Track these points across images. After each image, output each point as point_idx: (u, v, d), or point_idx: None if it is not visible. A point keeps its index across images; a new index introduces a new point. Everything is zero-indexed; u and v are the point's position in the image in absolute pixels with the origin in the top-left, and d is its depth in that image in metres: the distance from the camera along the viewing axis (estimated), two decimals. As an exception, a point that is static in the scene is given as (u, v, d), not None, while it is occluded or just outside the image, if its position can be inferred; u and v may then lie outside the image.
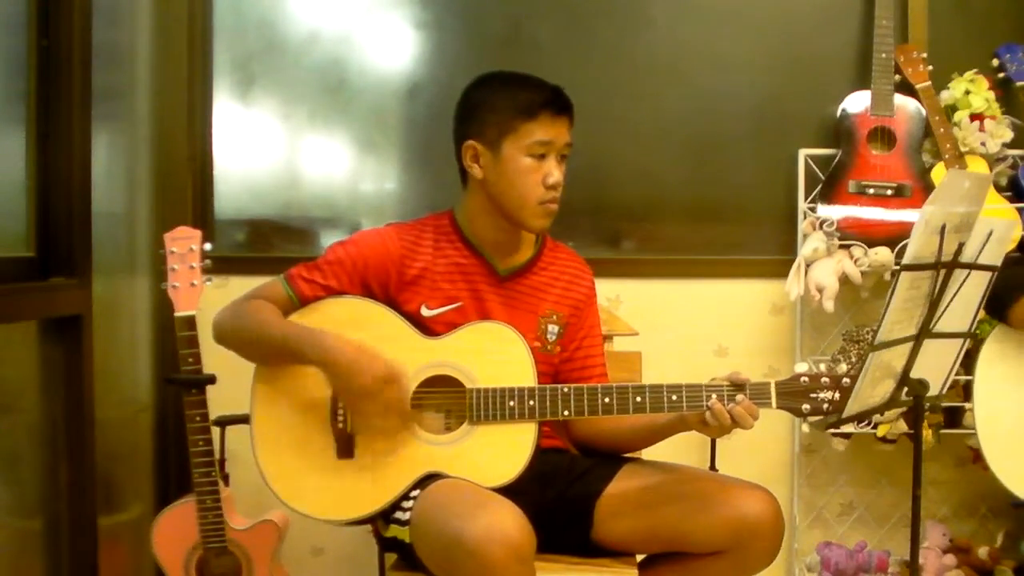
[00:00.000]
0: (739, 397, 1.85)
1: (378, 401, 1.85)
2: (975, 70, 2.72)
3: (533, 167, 1.97)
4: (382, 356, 1.86)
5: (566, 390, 1.93)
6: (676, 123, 2.89)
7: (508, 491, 1.83)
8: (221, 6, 2.86)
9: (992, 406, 2.34)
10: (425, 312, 2.01)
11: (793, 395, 1.88)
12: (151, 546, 2.34)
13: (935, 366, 1.83)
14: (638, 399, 1.91)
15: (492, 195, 2.01)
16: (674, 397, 1.89)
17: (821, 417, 1.90)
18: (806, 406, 1.88)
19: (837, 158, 2.73)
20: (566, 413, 1.93)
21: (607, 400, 1.92)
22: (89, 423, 2.24)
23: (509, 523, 1.67)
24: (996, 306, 2.34)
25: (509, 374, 1.94)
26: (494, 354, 1.95)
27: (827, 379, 1.88)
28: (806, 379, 1.89)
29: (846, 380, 1.87)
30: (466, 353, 1.95)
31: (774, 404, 1.87)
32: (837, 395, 1.87)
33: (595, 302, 2.18)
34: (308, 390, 1.95)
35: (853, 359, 1.89)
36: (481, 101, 2.01)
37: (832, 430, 2.71)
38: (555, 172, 1.98)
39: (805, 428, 2.72)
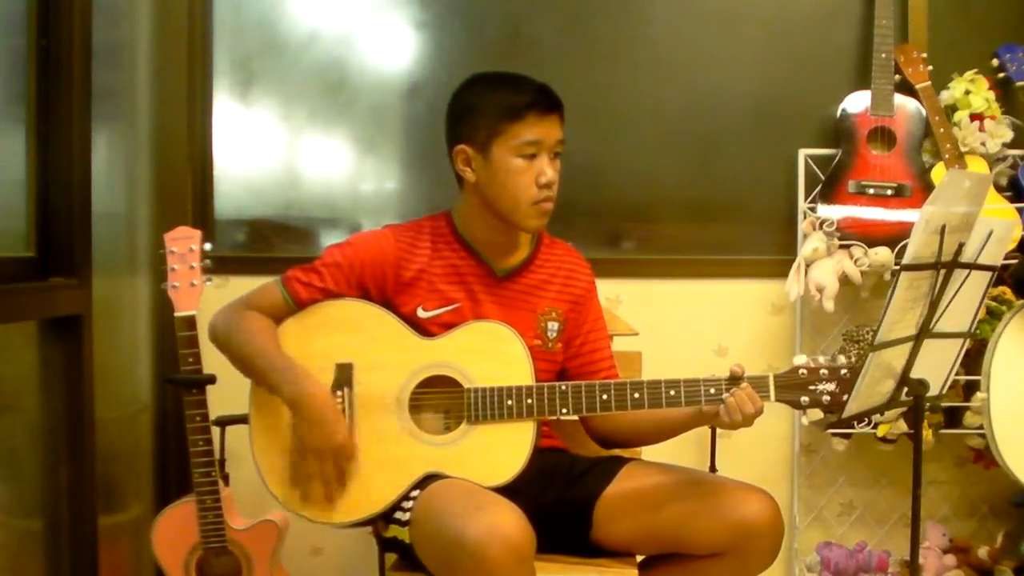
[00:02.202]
0: (743, 384, 1.85)
1: (323, 462, 1.90)
2: (975, 70, 2.72)
3: (524, 168, 1.96)
4: (345, 432, 1.89)
5: (564, 388, 1.93)
6: (676, 123, 2.89)
7: (508, 491, 1.83)
8: (221, 6, 2.86)
9: (1007, 394, 2.33)
10: (422, 314, 2.01)
11: (792, 388, 1.88)
12: (151, 546, 2.34)
13: (935, 366, 1.83)
14: (636, 395, 1.91)
15: (486, 198, 2.00)
16: (672, 392, 1.89)
17: (820, 410, 1.90)
18: (805, 398, 1.88)
19: (837, 158, 2.73)
20: (564, 411, 1.93)
21: (605, 397, 1.92)
22: (89, 423, 2.24)
23: (508, 523, 1.68)
24: None
25: (507, 373, 1.94)
26: (491, 353, 1.95)
27: (826, 371, 1.88)
28: (804, 371, 1.89)
29: (845, 371, 1.87)
30: (463, 353, 1.95)
31: (772, 397, 1.88)
32: (836, 387, 1.87)
33: (595, 296, 2.18)
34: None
35: (853, 359, 1.89)
36: (468, 105, 2.01)
37: (832, 430, 2.71)
38: (548, 171, 1.97)
39: (804, 421, 2.72)
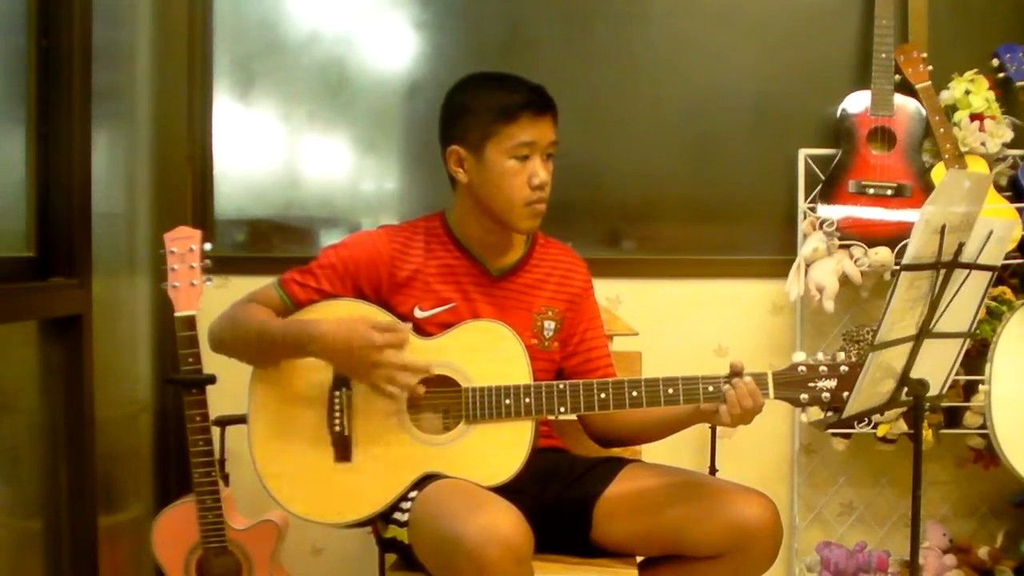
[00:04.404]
0: (746, 378, 1.84)
1: (384, 364, 1.85)
2: (975, 70, 2.72)
3: (517, 169, 1.96)
4: (373, 320, 1.87)
5: (562, 387, 1.93)
6: (676, 123, 2.89)
7: (507, 490, 1.83)
8: (221, 6, 2.86)
9: (1010, 389, 2.32)
10: (418, 313, 2.01)
11: (791, 385, 1.88)
12: (151, 546, 2.34)
13: (935, 366, 1.83)
14: (634, 393, 1.91)
15: (479, 198, 2.00)
16: (670, 390, 1.89)
17: (819, 408, 1.90)
18: (804, 396, 1.87)
19: (837, 158, 2.73)
20: (562, 410, 1.93)
21: (603, 396, 1.92)
22: (89, 423, 2.24)
23: (506, 524, 1.67)
24: None
25: (505, 372, 1.94)
26: (489, 352, 1.95)
27: (825, 368, 1.87)
28: (803, 368, 1.88)
29: (844, 368, 1.87)
30: (461, 352, 1.95)
31: (772, 395, 1.87)
32: (835, 384, 1.86)
33: (592, 295, 2.18)
34: (305, 393, 1.95)
35: (853, 358, 1.89)
36: (461, 106, 2.01)
37: (832, 430, 2.71)
38: (540, 172, 1.97)
39: (804, 419, 2.71)
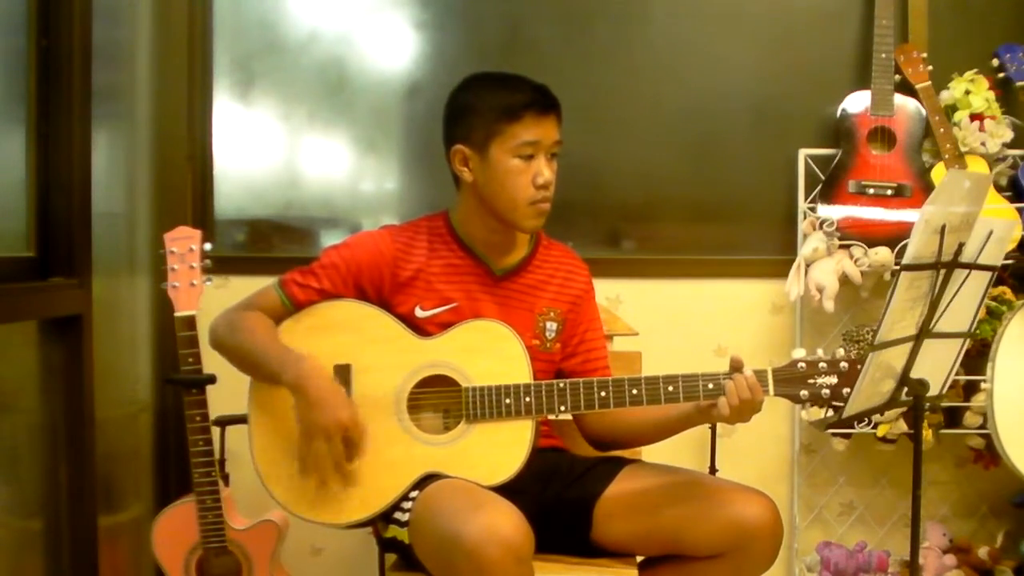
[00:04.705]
0: (747, 371, 1.84)
1: (332, 443, 1.86)
2: (975, 70, 2.72)
3: (522, 168, 1.96)
4: (351, 406, 1.87)
5: (562, 385, 1.93)
6: (676, 123, 2.89)
7: (507, 490, 1.83)
8: (221, 6, 2.86)
9: (1011, 388, 2.32)
10: (419, 313, 2.01)
11: (791, 382, 1.87)
12: (151, 546, 2.34)
13: (935, 366, 1.83)
14: (634, 391, 1.90)
15: (483, 197, 2.00)
16: (670, 388, 1.89)
17: (819, 404, 1.89)
18: (804, 392, 1.87)
19: (837, 158, 2.73)
20: (562, 409, 1.93)
21: (603, 394, 1.91)
22: (89, 423, 2.24)
23: (507, 524, 1.67)
24: None
25: (505, 371, 1.94)
26: (489, 352, 1.95)
27: (824, 364, 1.87)
28: (803, 365, 1.88)
29: (844, 364, 1.86)
30: (461, 352, 1.95)
31: (771, 391, 1.86)
32: (835, 380, 1.86)
33: (593, 297, 2.18)
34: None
35: (853, 358, 1.89)
36: (466, 105, 2.01)
37: (832, 430, 2.71)
38: (545, 171, 1.97)
39: (805, 416, 2.71)
